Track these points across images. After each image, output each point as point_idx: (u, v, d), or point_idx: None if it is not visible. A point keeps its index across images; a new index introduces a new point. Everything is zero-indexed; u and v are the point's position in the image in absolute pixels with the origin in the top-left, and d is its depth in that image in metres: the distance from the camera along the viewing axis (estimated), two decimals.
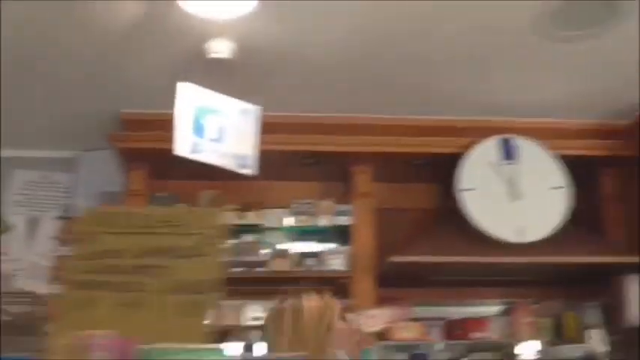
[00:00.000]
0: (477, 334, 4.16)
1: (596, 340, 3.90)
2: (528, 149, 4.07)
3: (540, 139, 4.13)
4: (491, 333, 4.19)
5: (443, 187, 4.18)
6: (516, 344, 4.17)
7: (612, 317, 4.11)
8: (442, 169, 4.09)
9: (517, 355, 4.10)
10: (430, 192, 4.37)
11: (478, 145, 4.05)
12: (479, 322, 4.19)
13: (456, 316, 4.27)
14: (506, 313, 4.41)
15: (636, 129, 4.18)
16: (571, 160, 4.22)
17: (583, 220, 4.50)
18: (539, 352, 4.07)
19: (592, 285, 4.33)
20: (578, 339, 4.08)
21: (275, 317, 1.98)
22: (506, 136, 4.08)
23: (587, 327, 4.09)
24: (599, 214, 4.40)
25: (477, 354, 4.27)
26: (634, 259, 3.95)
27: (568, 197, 4.03)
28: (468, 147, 4.07)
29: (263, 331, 2.50)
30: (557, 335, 4.29)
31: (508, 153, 4.04)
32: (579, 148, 4.23)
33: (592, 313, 4.22)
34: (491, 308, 4.41)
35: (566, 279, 4.35)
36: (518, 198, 3.99)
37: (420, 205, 4.36)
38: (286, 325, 1.93)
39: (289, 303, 2.00)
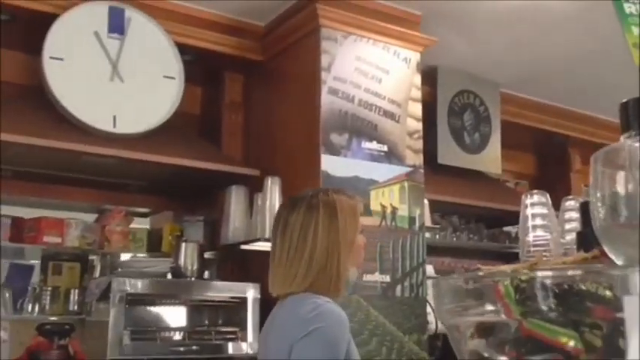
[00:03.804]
0: (54, 239, 3.45)
1: (189, 256, 3.44)
2: (142, 27, 3.42)
3: (160, 19, 3.52)
4: (72, 239, 3.51)
5: (35, 55, 3.34)
6: (99, 253, 3.59)
7: (216, 234, 3.71)
8: (35, 32, 3.25)
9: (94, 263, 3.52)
10: (19, 61, 3.52)
11: (80, 8, 3.29)
12: (57, 224, 3.48)
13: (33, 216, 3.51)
14: (98, 220, 3.79)
15: (271, 33, 3.81)
16: (196, 53, 3.71)
17: (199, 123, 4.08)
18: (123, 263, 3.52)
19: (198, 198, 3.92)
20: (172, 253, 3.60)
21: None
22: (118, 4, 3.39)
23: (186, 241, 3.62)
24: (219, 121, 3.97)
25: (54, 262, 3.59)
26: (239, 170, 3.59)
27: (180, 91, 3.48)
28: (67, 9, 3.29)
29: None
30: (153, 247, 3.80)
31: (116, 25, 3.35)
32: (206, 40, 3.70)
33: (194, 228, 3.78)
34: (80, 214, 3.75)
35: (169, 188, 3.88)
36: (119, 80, 3.33)
37: (4, 77, 3.47)
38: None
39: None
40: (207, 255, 3.58)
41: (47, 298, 3.44)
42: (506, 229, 4.70)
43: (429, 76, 4.31)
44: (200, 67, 3.85)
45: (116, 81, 3.32)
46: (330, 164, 3.32)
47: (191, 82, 3.73)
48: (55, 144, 3.15)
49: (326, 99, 3.40)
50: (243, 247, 3.41)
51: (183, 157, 3.45)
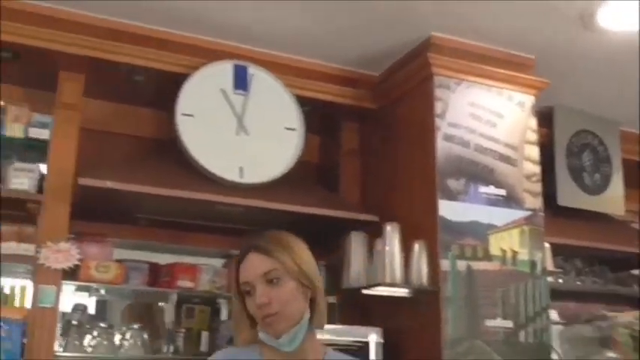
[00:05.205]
0: (187, 283, 3.67)
1: None
2: (264, 82, 3.64)
3: (280, 74, 3.72)
4: (203, 284, 3.72)
5: (166, 112, 3.62)
6: (226, 297, 3.76)
7: (336, 278, 3.81)
8: (166, 91, 3.53)
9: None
10: (151, 118, 3.82)
11: (207, 68, 3.55)
12: (190, 269, 3.70)
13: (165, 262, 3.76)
14: (226, 265, 3.99)
15: (385, 82, 3.93)
16: (314, 104, 3.88)
17: (317, 171, 4.22)
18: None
19: (319, 244, 4.02)
20: None
21: None
22: (242, 62, 3.62)
23: None
24: (337, 168, 4.11)
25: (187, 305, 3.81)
26: (359, 216, 3.69)
27: (300, 141, 3.65)
28: (196, 69, 3.55)
29: None
30: None
31: (241, 82, 3.58)
32: (323, 92, 3.87)
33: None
34: (210, 259, 3.97)
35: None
36: (244, 133, 3.54)
37: (138, 132, 3.80)
38: None
39: None
40: (328, 299, 3.68)
41: (181, 340, 3.65)
42: (634, 272, 4.52)
43: (546, 116, 4.27)
44: (317, 117, 4.01)
45: (242, 134, 3.53)
46: (448, 209, 3.36)
47: (309, 131, 3.89)
48: (187, 194, 3.37)
49: (441, 145, 3.46)
50: (365, 291, 3.48)
51: (305, 205, 3.59)
